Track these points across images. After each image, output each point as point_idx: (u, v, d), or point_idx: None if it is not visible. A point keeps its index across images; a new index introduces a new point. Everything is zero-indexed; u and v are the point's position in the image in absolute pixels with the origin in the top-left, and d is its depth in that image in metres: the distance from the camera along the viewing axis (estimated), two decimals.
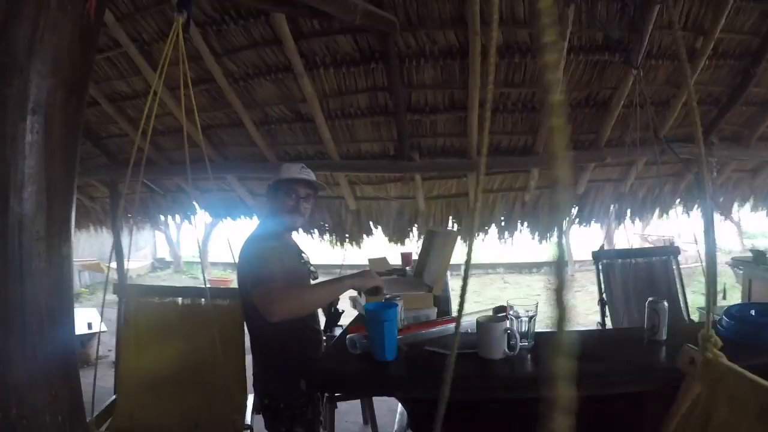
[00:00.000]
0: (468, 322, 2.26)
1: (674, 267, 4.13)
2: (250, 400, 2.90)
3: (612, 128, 4.41)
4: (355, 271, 2.62)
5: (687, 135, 4.52)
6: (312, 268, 2.79)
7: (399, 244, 5.55)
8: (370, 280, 2.54)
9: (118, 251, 5.69)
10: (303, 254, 2.77)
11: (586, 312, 10.80)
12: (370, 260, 3.92)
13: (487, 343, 2.09)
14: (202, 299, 3.07)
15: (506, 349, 2.09)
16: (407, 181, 4.97)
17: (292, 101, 4.36)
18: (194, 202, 6.06)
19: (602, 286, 4.03)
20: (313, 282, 2.70)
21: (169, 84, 4.22)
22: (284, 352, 2.53)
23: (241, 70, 4.19)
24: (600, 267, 4.06)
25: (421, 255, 3.43)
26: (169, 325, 3.08)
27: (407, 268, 3.76)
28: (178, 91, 4.28)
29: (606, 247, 5.33)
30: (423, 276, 3.25)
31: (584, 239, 9.77)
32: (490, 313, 2.39)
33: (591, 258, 4.27)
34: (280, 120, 4.61)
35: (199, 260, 17.72)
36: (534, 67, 3.88)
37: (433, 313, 2.75)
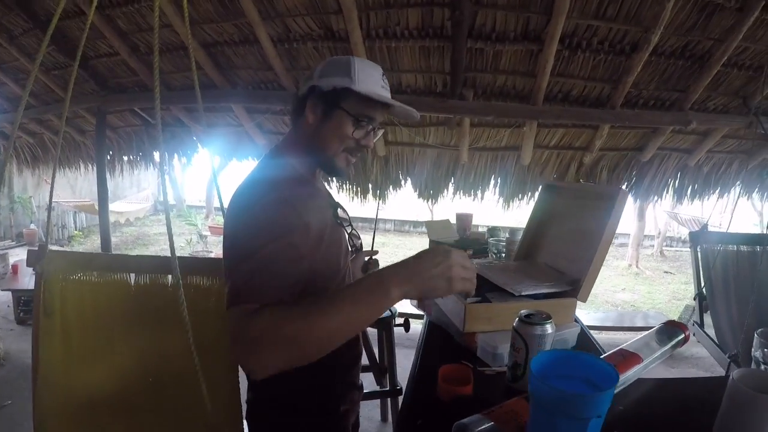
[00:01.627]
0: None
1: None
2: None
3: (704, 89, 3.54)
4: (402, 258, 1.16)
5: None
6: (354, 231, 1.58)
7: (431, 201, 4.66)
8: (457, 281, 1.08)
9: (101, 192, 4.64)
10: (339, 207, 1.51)
11: (613, 288, 10.00)
12: (428, 223, 2.70)
13: None
14: (169, 276, 1.93)
15: None
16: (452, 126, 3.99)
17: (322, 12, 3.31)
18: (195, 139, 4.94)
19: (701, 276, 3.03)
20: (350, 252, 1.55)
21: None
22: (295, 397, 1.40)
23: None
24: (699, 252, 3.03)
25: (532, 223, 2.13)
26: (117, 319, 1.94)
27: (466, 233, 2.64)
28: None
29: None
30: (538, 258, 2.05)
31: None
32: None
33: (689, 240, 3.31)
34: (304, 37, 3.54)
35: (203, 205, 16.76)
36: None
37: (574, 333, 1.65)
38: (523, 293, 1.58)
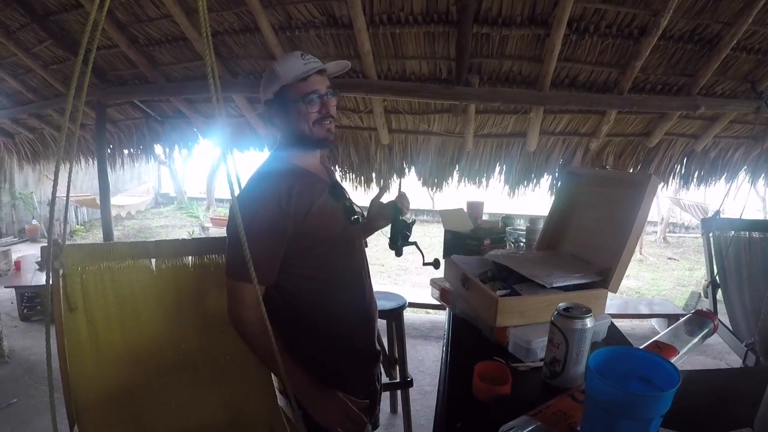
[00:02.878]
0: None
1: None
2: None
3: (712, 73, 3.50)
4: None
5: None
6: (356, 215, 1.79)
7: (435, 190, 4.61)
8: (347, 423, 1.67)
9: (103, 186, 4.59)
10: (341, 186, 1.84)
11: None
12: (442, 212, 2.65)
13: None
14: (190, 258, 1.99)
15: None
16: (457, 113, 3.91)
17: None
18: (196, 130, 4.88)
19: (714, 264, 2.98)
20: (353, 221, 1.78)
21: None
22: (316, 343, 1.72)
23: None
24: (711, 239, 3.00)
25: (555, 211, 2.09)
26: (141, 304, 1.95)
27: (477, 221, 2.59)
28: None
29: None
30: (562, 247, 2.02)
31: None
32: None
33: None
34: (307, 24, 3.46)
35: (204, 197, 16.71)
36: None
37: (605, 325, 1.61)
38: (554, 285, 1.54)
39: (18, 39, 4.29)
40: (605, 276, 1.61)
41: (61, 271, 1.78)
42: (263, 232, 1.52)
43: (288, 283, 1.63)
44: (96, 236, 12.14)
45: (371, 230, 1.91)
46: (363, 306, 1.80)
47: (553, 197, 2.14)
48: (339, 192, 1.78)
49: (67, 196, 1.44)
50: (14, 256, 7.21)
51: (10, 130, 6.26)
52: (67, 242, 1.79)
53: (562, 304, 1.29)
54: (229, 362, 2.03)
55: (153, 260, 1.94)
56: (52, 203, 1.12)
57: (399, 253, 1.72)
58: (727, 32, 3.16)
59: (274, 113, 1.70)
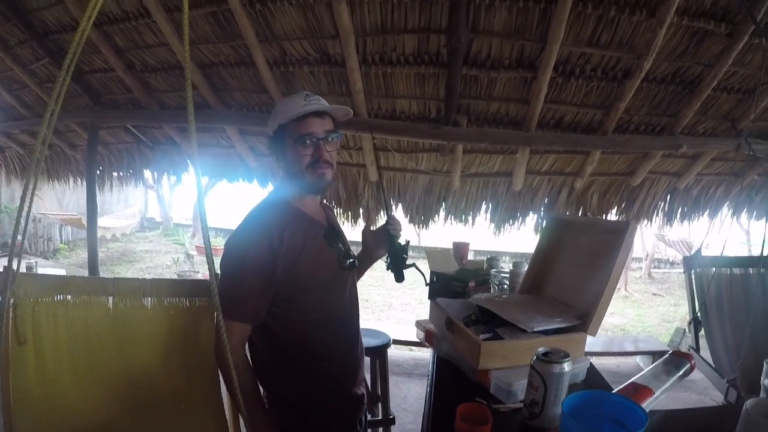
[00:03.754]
0: None
1: None
2: None
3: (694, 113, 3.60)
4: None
5: (759, 131, 3.69)
6: (349, 259, 1.81)
7: (422, 227, 4.65)
8: None
9: (90, 209, 4.60)
10: (336, 231, 1.84)
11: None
12: (429, 252, 2.69)
13: None
14: (149, 298, 1.88)
15: None
16: (445, 152, 3.96)
17: (319, 36, 3.30)
18: (187, 159, 4.93)
19: (695, 301, 3.12)
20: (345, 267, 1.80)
21: (166, 3, 3.30)
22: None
23: None
24: (693, 277, 3.09)
25: (538, 256, 2.18)
26: (95, 343, 1.84)
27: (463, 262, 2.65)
28: (177, 13, 3.30)
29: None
30: (545, 290, 2.08)
31: None
32: None
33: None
34: (301, 60, 3.52)
35: (190, 224, 16.67)
36: (628, 26, 3.03)
37: (584, 367, 1.66)
38: (535, 329, 1.60)
39: (16, 54, 4.33)
40: (585, 320, 1.67)
41: (11, 301, 1.65)
42: (252, 271, 1.54)
43: (276, 324, 1.64)
44: (79, 256, 12.10)
45: (371, 260, 1.95)
46: (350, 350, 1.81)
47: (537, 239, 2.20)
48: (334, 236, 1.78)
49: (27, 213, 1.38)
50: None
51: (1, 144, 6.24)
52: (49, 261, 1.75)
53: (541, 349, 1.35)
54: (184, 412, 1.92)
55: (110, 298, 1.84)
56: (16, 225, 1.14)
57: (401, 278, 1.72)
58: (708, 73, 3.26)
59: (273, 150, 1.72)
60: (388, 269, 1.75)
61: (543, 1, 2.89)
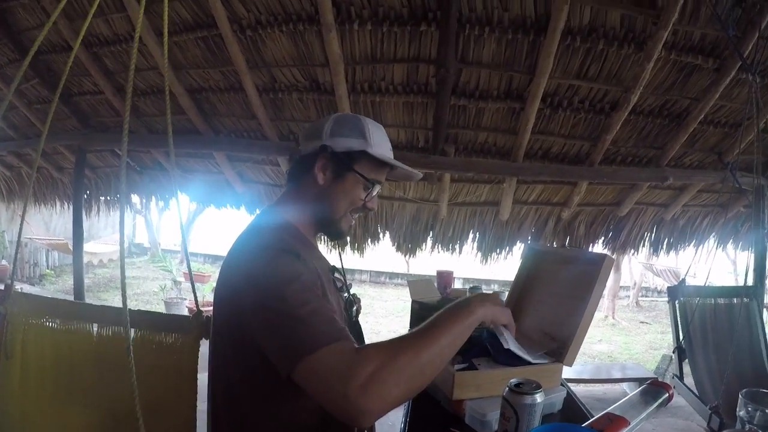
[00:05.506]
0: None
1: (756, 312, 3.25)
2: None
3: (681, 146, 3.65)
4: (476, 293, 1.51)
5: (745, 164, 3.63)
6: (351, 297, 1.51)
7: (409, 255, 4.63)
8: (506, 314, 1.28)
9: (77, 233, 4.54)
10: (336, 271, 1.45)
11: (590, 340, 9.88)
12: (410, 283, 2.66)
13: None
14: (132, 330, 1.83)
15: None
16: (433, 181, 3.98)
17: (309, 64, 3.31)
18: (172, 183, 4.90)
19: (679, 330, 3.16)
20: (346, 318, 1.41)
21: (158, 27, 3.25)
22: None
23: (252, 15, 3.11)
24: (677, 306, 3.11)
25: (516, 287, 2.10)
26: (77, 370, 1.87)
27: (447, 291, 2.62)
28: (169, 37, 3.31)
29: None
30: (523, 326, 1.94)
31: None
32: None
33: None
34: (290, 87, 3.53)
35: (178, 249, 16.56)
36: (616, 59, 3.07)
37: (560, 397, 1.65)
38: (500, 362, 1.58)
39: (4, 74, 4.29)
40: (562, 350, 1.66)
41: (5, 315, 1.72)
42: (310, 284, 1.14)
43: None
44: (66, 282, 11.92)
45: None
46: None
47: (516, 270, 2.18)
48: (340, 276, 1.47)
49: (19, 238, 1.43)
50: None
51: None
52: (35, 287, 1.78)
53: (513, 380, 1.32)
54: None
55: (95, 326, 1.85)
56: (17, 247, 1.14)
57: None
58: (695, 107, 3.31)
59: (323, 167, 1.34)
60: None
61: (532, 33, 2.92)
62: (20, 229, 1.73)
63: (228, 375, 1.24)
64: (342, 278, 1.48)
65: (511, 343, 1.49)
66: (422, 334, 1.08)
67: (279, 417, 1.20)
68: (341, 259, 1.58)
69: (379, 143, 1.37)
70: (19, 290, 1.92)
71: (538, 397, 1.28)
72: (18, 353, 1.78)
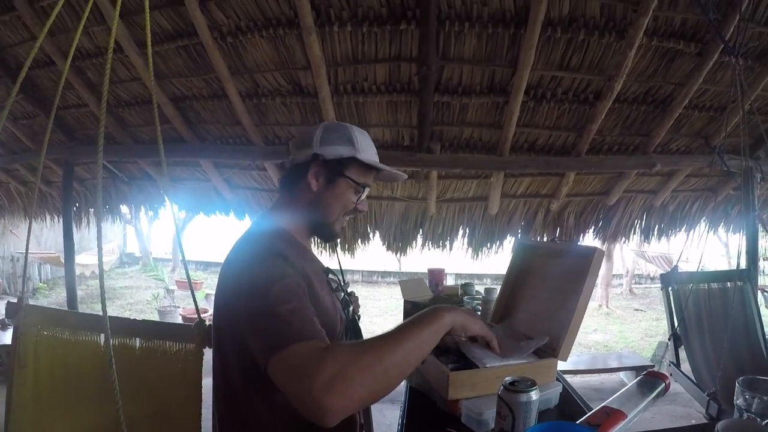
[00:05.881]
0: None
1: (751, 295, 3.18)
2: None
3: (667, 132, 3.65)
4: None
5: (732, 147, 3.70)
6: (346, 297, 1.58)
7: (400, 254, 4.62)
8: (477, 324, 1.39)
9: (68, 246, 4.51)
10: (330, 272, 1.55)
11: (585, 330, 9.90)
12: (401, 282, 2.66)
13: None
14: (137, 339, 1.90)
15: None
16: (420, 179, 3.98)
17: (291, 68, 3.31)
18: (162, 192, 4.88)
19: (674, 317, 3.16)
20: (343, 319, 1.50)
21: (138, 38, 3.29)
22: None
23: (231, 21, 3.10)
24: (671, 293, 3.12)
25: (507, 284, 2.07)
26: (85, 379, 1.91)
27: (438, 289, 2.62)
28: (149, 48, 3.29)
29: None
30: (515, 321, 1.97)
31: None
32: None
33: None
34: (273, 92, 3.53)
35: (169, 258, 16.48)
36: (598, 48, 3.09)
37: (556, 392, 1.64)
38: (487, 366, 1.57)
39: None
40: (555, 345, 1.65)
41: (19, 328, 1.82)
42: (293, 287, 1.18)
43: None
44: (59, 295, 11.87)
45: None
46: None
47: (507, 266, 2.17)
48: (336, 278, 1.56)
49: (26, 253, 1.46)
50: None
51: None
52: (30, 301, 1.81)
53: (508, 378, 1.32)
54: None
55: (101, 336, 1.90)
56: (25, 262, 1.16)
57: None
58: (679, 92, 3.32)
59: (316, 174, 1.40)
60: None
61: (512, 26, 2.93)
62: (26, 243, 1.80)
63: (231, 378, 1.30)
64: (337, 279, 1.57)
65: (487, 360, 1.50)
66: (390, 337, 1.13)
67: (280, 413, 1.25)
68: (339, 261, 1.70)
69: (366, 149, 1.45)
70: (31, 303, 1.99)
71: (534, 395, 1.28)
72: (30, 363, 1.86)
